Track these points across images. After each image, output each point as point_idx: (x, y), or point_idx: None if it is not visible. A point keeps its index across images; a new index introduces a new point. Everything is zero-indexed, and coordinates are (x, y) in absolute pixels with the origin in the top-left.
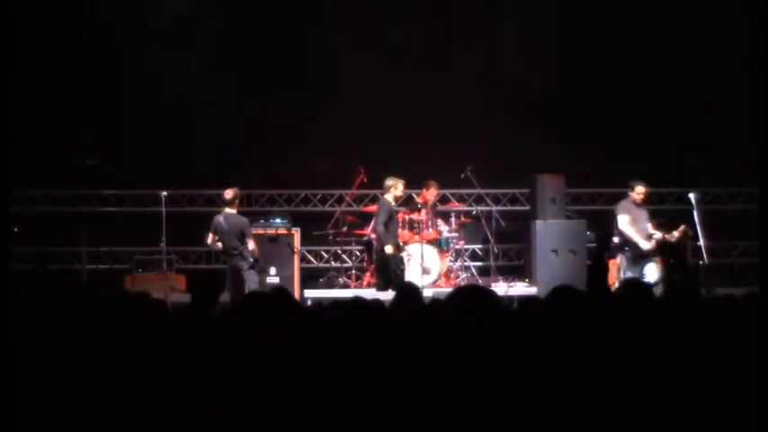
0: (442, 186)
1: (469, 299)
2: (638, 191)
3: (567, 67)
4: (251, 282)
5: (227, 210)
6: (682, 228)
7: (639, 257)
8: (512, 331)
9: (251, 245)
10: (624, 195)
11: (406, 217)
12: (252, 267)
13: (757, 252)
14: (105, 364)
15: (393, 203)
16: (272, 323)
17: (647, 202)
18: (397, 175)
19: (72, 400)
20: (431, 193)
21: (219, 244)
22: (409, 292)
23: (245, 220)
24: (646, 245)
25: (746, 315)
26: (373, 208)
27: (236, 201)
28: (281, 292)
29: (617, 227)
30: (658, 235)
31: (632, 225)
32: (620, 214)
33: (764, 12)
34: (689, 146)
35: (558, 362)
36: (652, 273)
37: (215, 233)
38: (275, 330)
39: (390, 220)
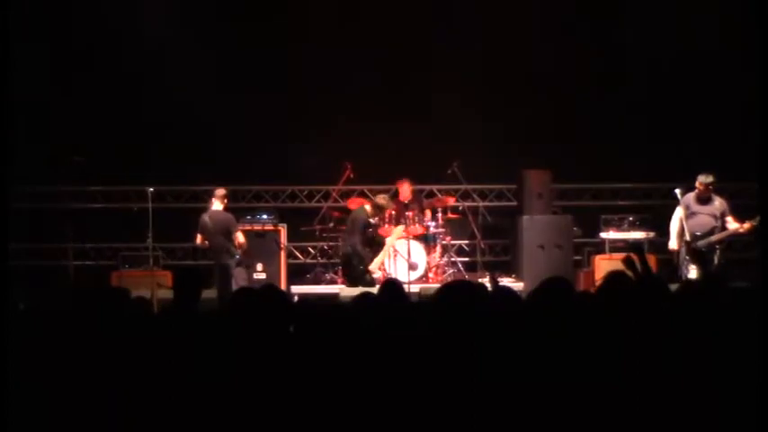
0: (428, 182)
1: (458, 295)
2: (698, 183)
3: (554, 63)
4: (240, 279)
5: (215, 207)
6: (756, 219)
7: (701, 253)
8: (500, 326)
9: (240, 238)
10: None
11: (393, 213)
12: (239, 264)
13: (744, 247)
14: (87, 361)
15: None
16: (262, 320)
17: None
18: (384, 170)
19: (55, 398)
20: (404, 191)
21: (207, 243)
22: (394, 289)
23: (230, 216)
24: (672, 244)
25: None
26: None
27: (225, 198)
28: (271, 289)
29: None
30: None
31: (685, 220)
32: (677, 208)
33: (763, 10)
34: (675, 141)
35: (549, 356)
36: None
37: (202, 233)
38: (265, 327)
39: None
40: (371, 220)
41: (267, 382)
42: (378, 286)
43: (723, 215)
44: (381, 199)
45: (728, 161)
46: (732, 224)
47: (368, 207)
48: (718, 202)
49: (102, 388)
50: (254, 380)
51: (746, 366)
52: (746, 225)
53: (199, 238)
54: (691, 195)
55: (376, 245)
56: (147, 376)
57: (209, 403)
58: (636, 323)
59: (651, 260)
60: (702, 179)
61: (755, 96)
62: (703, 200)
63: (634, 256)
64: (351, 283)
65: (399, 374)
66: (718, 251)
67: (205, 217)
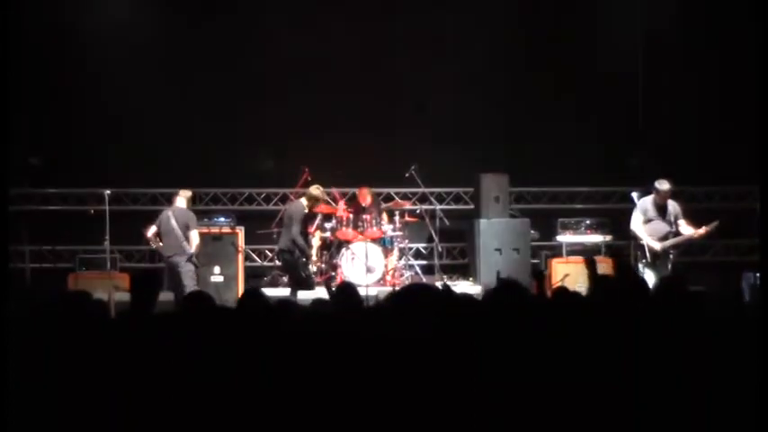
0: (385, 185)
1: (414, 298)
2: (656, 189)
3: (511, 66)
4: (187, 277)
5: (179, 204)
6: (713, 224)
7: (655, 257)
8: (458, 328)
9: (195, 237)
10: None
11: (351, 215)
12: (189, 260)
13: (733, 251)
14: (45, 365)
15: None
16: (217, 323)
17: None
18: (342, 173)
19: (12, 401)
20: (364, 199)
21: (160, 243)
22: (349, 293)
23: (192, 213)
24: (656, 245)
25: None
26: (320, 208)
27: (190, 201)
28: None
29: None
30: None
31: (645, 225)
32: (634, 212)
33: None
34: (632, 144)
35: (506, 359)
36: (650, 278)
37: (159, 226)
38: (222, 330)
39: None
40: (306, 211)
41: (225, 385)
42: (316, 281)
43: (676, 219)
44: (315, 189)
45: (685, 164)
46: (686, 228)
47: (303, 200)
48: (671, 207)
49: (59, 392)
50: (211, 383)
51: (708, 368)
52: (702, 231)
53: (151, 231)
54: (648, 200)
55: (334, 247)
56: (104, 379)
57: (164, 406)
58: (600, 324)
59: (609, 263)
60: (660, 186)
61: (755, 98)
62: (661, 206)
63: (605, 260)
64: (293, 280)
65: (356, 377)
66: (671, 256)
67: (168, 212)
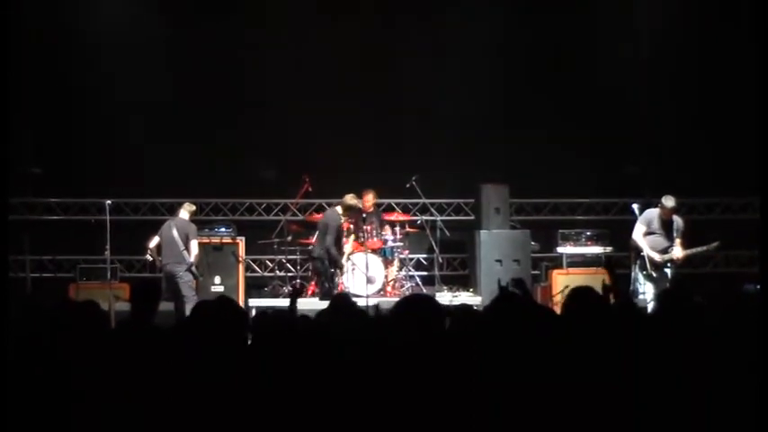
0: (386, 196)
1: (415, 308)
2: (663, 205)
3: (511, 77)
4: (186, 287)
5: (181, 216)
6: (715, 244)
7: (656, 269)
8: (459, 338)
9: (194, 247)
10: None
11: (351, 226)
12: (188, 270)
13: (733, 262)
14: (44, 374)
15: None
16: (218, 332)
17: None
18: (343, 184)
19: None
20: (367, 201)
21: (158, 256)
22: (342, 303)
23: (193, 225)
24: (656, 256)
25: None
26: (318, 217)
27: (193, 214)
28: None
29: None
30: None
31: (645, 236)
32: (637, 223)
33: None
34: (632, 153)
35: (504, 369)
36: (649, 289)
37: (160, 236)
38: (222, 339)
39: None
40: (343, 220)
41: (225, 395)
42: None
43: (677, 235)
44: (351, 198)
45: (685, 173)
46: (679, 250)
47: (339, 209)
48: (676, 223)
49: (58, 400)
50: (211, 393)
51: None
52: (699, 250)
53: (153, 242)
54: (654, 213)
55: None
56: (104, 388)
57: (163, 416)
58: (603, 339)
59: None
60: (666, 202)
61: (755, 106)
62: (666, 222)
63: (601, 271)
64: (321, 290)
65: (357, 386)
66: (669, 268)
67: (170, 223)
